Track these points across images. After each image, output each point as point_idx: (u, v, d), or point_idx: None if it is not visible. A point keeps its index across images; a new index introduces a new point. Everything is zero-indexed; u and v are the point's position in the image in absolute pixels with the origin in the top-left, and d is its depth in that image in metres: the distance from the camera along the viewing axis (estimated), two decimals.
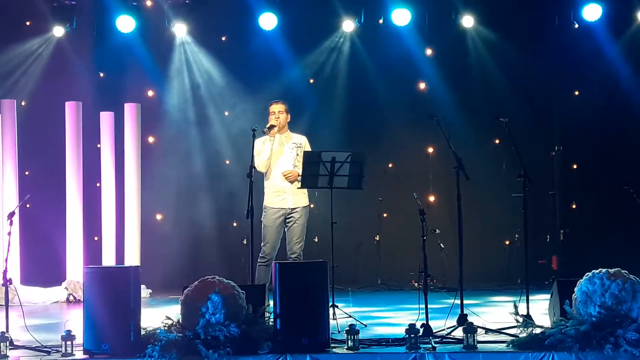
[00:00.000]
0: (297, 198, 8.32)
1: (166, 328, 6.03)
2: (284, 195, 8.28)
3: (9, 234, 6.67)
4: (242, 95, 12.32)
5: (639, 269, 6.55)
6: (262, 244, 8.30)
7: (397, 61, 12.15)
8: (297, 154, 8.31)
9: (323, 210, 10.75)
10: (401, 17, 11.68)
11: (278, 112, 8.38)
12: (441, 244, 9.95)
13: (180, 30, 11.92)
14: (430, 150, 12.36)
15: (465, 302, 7.03)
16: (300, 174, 8.08)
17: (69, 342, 6.00)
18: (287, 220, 8.32)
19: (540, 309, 7.48)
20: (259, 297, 6.42)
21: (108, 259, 11.18)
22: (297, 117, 12.07)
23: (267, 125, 8.27)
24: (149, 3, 11.84)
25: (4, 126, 10.95)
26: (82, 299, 6.36)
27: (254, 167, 7.78)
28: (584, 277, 6.05)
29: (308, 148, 8.43)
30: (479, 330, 6.34)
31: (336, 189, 7.92)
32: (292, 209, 8.31)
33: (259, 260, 8.21)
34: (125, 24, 11.54)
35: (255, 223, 7.66)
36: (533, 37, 11.95)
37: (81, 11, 11.74)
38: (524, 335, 6.08)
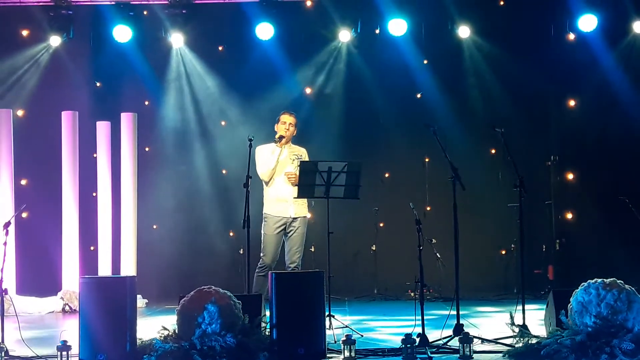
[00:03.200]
0: (299, 208, 8.33)
1: (162, 338, 6.03)
2: (285, 204, 8.28)
3: (5, 243, 6.66)
4: (238, 105, 12.34)
5: (635, 279, 6.58)
6: (261, 254, 8.28)
7: (393, 71, 12.16)
8: (297, 166, 8.33)
9: (319, 220, 10.77)
10: (397, 27, 11.69)
11: (289, 123, 8.41)
12: (437, 254, 9.95)
13: (177, 40, 11.92)
14: (427, 160, 12.35)
15: (461, 312, 7.03)
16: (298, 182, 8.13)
17: (64, 353, 5.99)
18: (288, 230, 8.32)
19: (536, 319, 7.49)
20: (255, 307, 6.42)
21: (104, 268, 11.16)
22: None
23: (277, 136, 8.29)
24: (145, 13, 11.85)
25: (0, 135, 10.95)
26: (78, 309, 6.35)
27: (251, 177, 7.76)
28: (580, 287, 6.06)
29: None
30: (475, 340, 6.35)
31: (333, 199, 7.93)
32: (294, 218, 8.31)
33: (257, 270, 8.19)
34: (122, 33, 11.54)
35: (252, 233, 7.66)
36: (529, 48, 11.98)
37: (78, 21, 11.74)
38: (520, 345, 6.09)
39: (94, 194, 11.51)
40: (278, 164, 8.26)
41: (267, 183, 8.35)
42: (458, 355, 6.05)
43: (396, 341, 6.43)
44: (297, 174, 8.19)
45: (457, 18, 11.94)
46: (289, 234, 8.32)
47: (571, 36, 11.95)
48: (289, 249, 8.33)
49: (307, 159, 8.47)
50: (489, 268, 12.04)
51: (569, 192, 12.32)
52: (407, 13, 11.67)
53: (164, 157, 12.49)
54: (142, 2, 11.74)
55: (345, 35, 12.04)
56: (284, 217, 8.27)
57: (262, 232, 8.33)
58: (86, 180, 11.41)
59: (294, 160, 8.34)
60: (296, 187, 8.12)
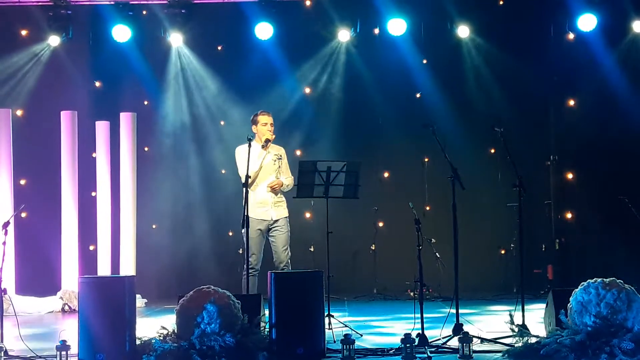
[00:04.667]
0: (279, 210, 8.33)
1: (161, 338, 6.03)
2: (266, 207, 8.24)
3: (4, 243, 6.67)
4: (237, 104, 12.31)
5: (635, 279, 6.58)
6: (247, 256, 8.23)
7: (392, 71, 12.16)
8: (279, 166, 8.33)
9: (319, 220, 10.77)
10: (397, 27, 11.69)
11: (270, 124, 8.38)
12: (437, 254, 9.95)
13: (176, 39, 11.92)
14: (426, 159, 12.35)
15: (460, 311, 7.03)
16: (285, 184, 8.24)
17: (63, 352, 5.99)
18: (271, 232, 8.30)
19: (536, 318, 7.49)
20: (254, 306, 6.42)
21: (103, 268, 11.15)
22: (293, 127, 12.18)
23: (264, 140, 8.23)
24: (144, 13, 11.84)
25: None
26: (77, 309, 6.34)
27: (250, 177, 7.75)
28: (579, 287, 6.06)
29: (286, 160, 8.50)
30: (475, 339, 6.35)
31: (332, 199, 7.93)
32: (275, 220, 8.29)
33: (244, 272, 8.16)
34: (121, 33, 11.54)
35: None
36: (528, 47, 11.98)
37: (77, 20, 11.74)
38: (520, 344, 6.08)
39: (93, 194, 11.50)
40: (262, 168, 8.22)
41: (249, 185, 8.25)
42: (457, 354, 6.04)
43: (396, 341, 6.43)
44: (279, 180, 8.24)
45: (456, 18, 11.94)
46: (273, 236, 8.29)
47: (570, 36, 11.96)
48: (276, 249, 8.29)
49: (285, 158, 8.48)
50: (489, 268, 12.03)
51: (569, 191, 12.32)
52: (406, 13, 11.67)
53: (163, 157, 12.47)
54: (141, 2, 11.73)
55: (344, 35, 12.04)
56: (264, 220, 8.23)
57: (245, 234, 8.29)
58: (85, 180, 11.40)
59: (275, 161, 8.33)
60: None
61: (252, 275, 8.11)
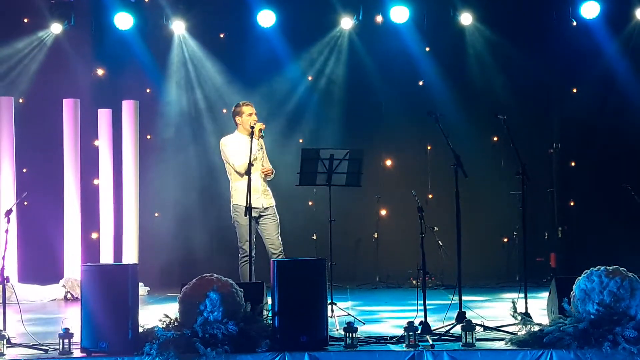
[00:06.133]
0: (268, 199, 8.31)
1: (164, 326, 6.02)
2: (257, 194, 8.18)
3: (6, 231, 6.67)
4: (240, 92, 12.26)
5: (638, 266, 6.57)
6: (240, 244, 8.20)
7: (395, 58, 12.14)
8: (263, 156, 8.32)
9: (321, 208, 10.77)
10: (400, 14, 11.68)
11: (255, 113, 8.33)
12: (439, 242, 9.94)
13: (178, 27, 11.90)
14: (429, 147, 12.33)
15: (463, 299, 7.03)
16: (274, 171, 8.24)
17: (66, 340, 5.99)
18: (262, 220, 8.26)
19: (539, 306, 7.48)
20: (257, 294, 6.42)
21: (106, 256, 11.17)
22: (295, 115, 12.17)
23: (258, 129, 8.05)
24: (146, 0, 11.81)
25: (1, 123, 10.94)
26: (79, 297, 6.34)
27: (252, 164, 7.72)
28: (583, 275, 6.05)
29: (265, 150, 8.47)
30: (478, 328, 6.35)
31: (334, 186, 7.91)
32: (265, 208, 8.27)
33: (240, 261, 8.14)
34: (124, 20, 11.53)
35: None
36: (531, 35, 11.94)
37: (79, 8, 11.73)
38: (523, 332, 6.08)
39: (96, 182, 11.50)
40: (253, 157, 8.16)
41: (242, 175, 8.20)
42: (460, 343, 6.04)
43: (398, 329, 6.43)
44: (270, 168, 8.23)
45: (459, 5, 11.92)
46: (265, 224, 8.25)
47: (574, 23, 11.90)
48: (269, 236, 8.24)
49: (264, 148, 8.47)
50: (491, 256, 12.03)
51: (571, 179, 12.31)
52: (409, 0, 11.64)
53: (166, 145, 12.46)
54: None
55: (347, 23, 12.02)
56: (256, 208, 8.16)
57: (235, 222, 8.25)
58: (87, 168, 11.40)
59: (259, 150, 8.31)
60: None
61: (247, 262, 8.07)
